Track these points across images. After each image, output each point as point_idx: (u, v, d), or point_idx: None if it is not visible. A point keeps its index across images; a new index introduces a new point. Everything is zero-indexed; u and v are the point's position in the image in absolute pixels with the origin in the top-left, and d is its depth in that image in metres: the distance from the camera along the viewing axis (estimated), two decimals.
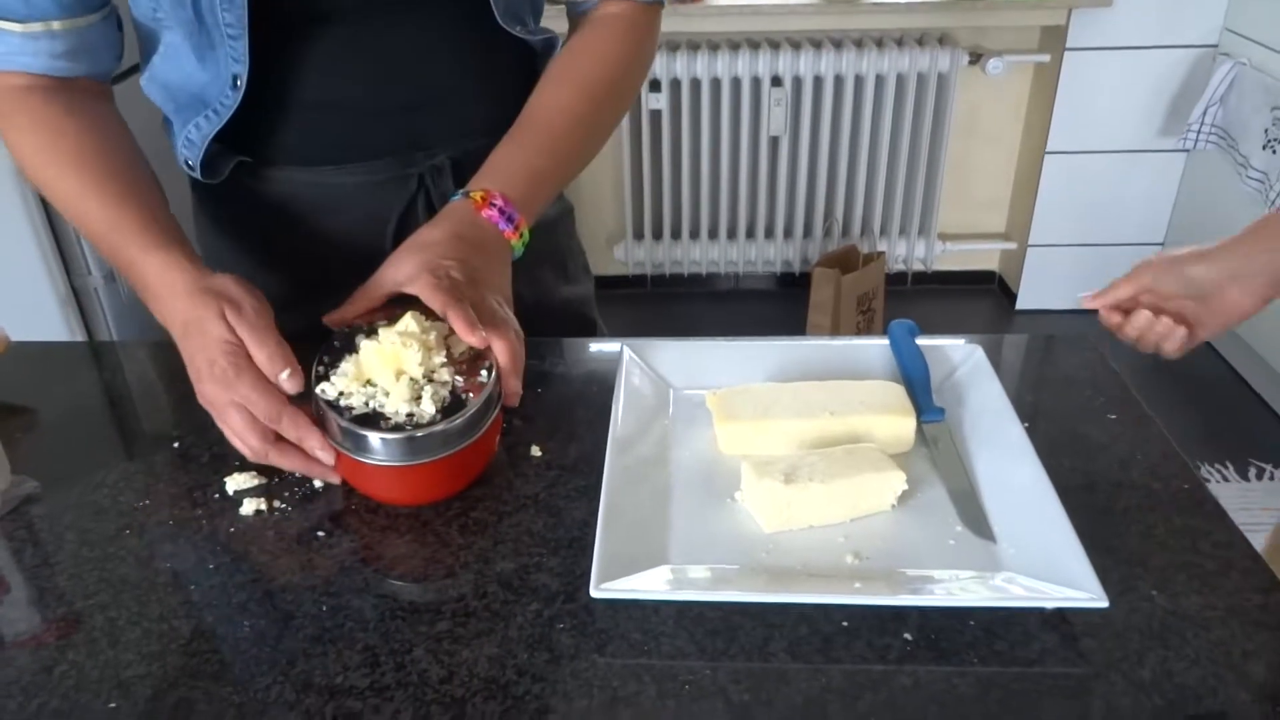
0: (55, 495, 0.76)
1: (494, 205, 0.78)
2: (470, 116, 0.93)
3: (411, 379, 0.70)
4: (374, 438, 0.68)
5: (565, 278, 1.10)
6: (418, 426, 0.68)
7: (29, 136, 0.84)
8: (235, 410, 0.70)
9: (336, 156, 0.91)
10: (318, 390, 0.71)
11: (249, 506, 0.73)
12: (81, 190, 0.81)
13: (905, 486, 0.70)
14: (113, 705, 0.58)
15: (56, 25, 0.81)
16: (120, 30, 0.88)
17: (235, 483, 0.75)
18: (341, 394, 0.71)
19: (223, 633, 0.63)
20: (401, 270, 0.74)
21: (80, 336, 2.07)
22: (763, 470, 0.69)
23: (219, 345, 0.70)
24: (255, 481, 0.76)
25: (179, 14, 0.81)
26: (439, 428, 0.68)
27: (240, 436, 0.71)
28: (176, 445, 0.81)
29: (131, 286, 0.79)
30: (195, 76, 0.85)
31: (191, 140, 0.86)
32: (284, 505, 0.74)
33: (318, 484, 0.76)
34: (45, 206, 1.96)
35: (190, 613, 0.64)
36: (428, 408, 0.69)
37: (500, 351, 0.72)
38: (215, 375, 0.70)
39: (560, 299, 1.08)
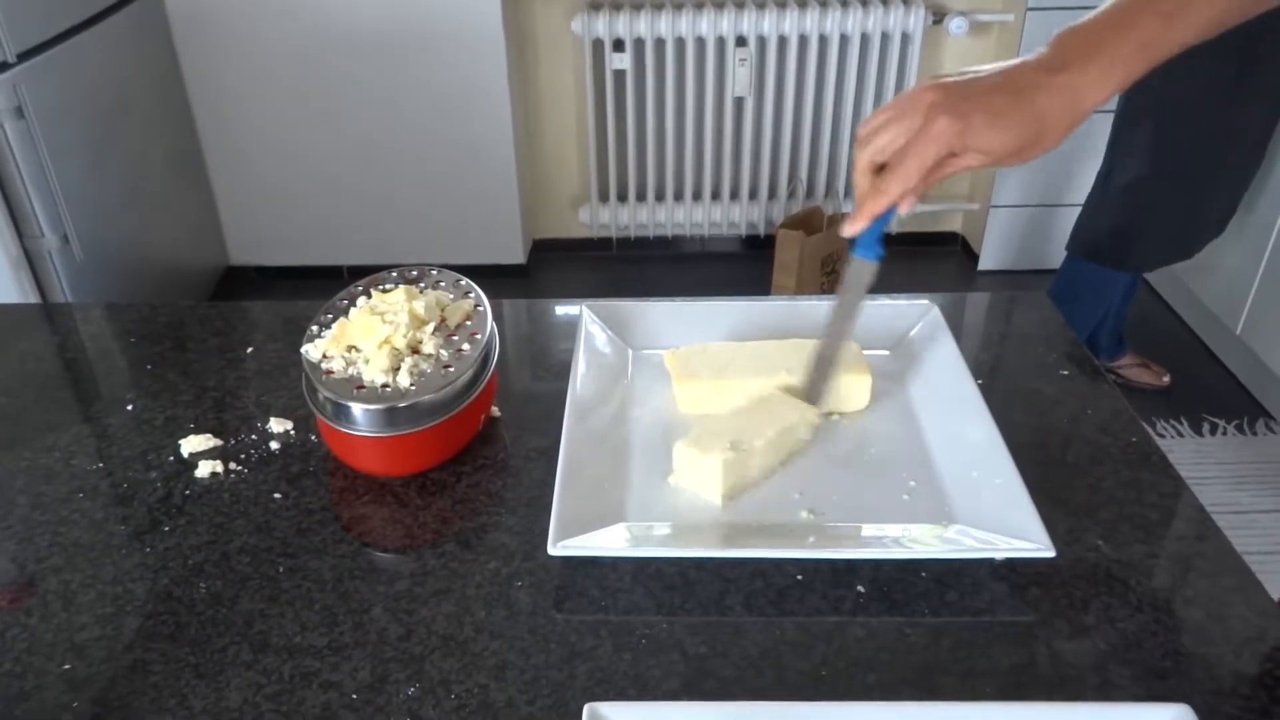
0: (5, 458, 0.75)
1: None
2: None
3: (394, 349, 0.70)
4: (336, 401, 0.68)
5: None
6: (382, 399, 0.68)
7: None
8: None
9: None
10: (302, 350, 0.72)
11: (204, 469, 0.73)
12: None
13: (819, 421, 0.73)
14: (67, 667, 0.58)
15: None
16: None
17: (190, 445, 0.75)
18: (325, 356, 0.71)
19: (179, 594, 0.63)
20: None
21: (34, 299, 2.03)
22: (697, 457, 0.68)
23: None
24: (210, 444, 0.75)
25: None
26: (404, 403, 0.68)
27: None
28: (130, 408, 0.80)
29: None
30: None
31: None
32: (240, 468, 0.73)
33: (274, 446, 0.75)
34: None
35: (145, 575, 0.64)
36: (403, 380, 0.69)
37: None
38: None
39: None
